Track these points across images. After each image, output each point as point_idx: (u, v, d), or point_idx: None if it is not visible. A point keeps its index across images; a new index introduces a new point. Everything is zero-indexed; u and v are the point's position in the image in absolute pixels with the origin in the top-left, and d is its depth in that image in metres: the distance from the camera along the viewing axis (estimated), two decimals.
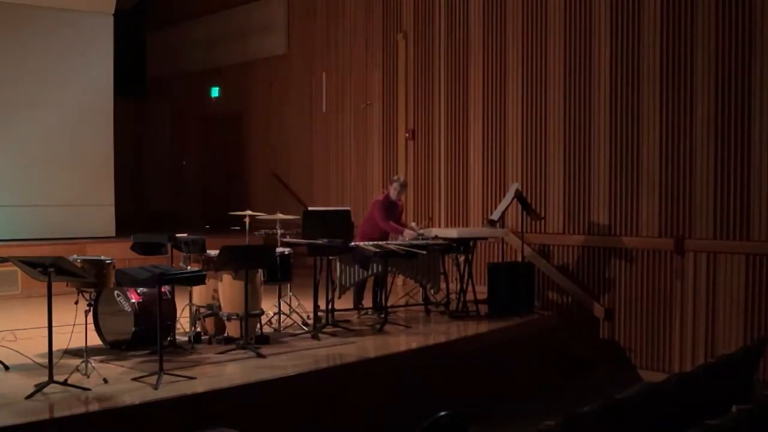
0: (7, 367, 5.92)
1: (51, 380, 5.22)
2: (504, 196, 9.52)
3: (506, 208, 9.13)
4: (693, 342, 8.55)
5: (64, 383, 5.25)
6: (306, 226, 8.00)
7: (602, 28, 9.27)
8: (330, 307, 7.77)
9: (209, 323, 7.16)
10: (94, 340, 6.51)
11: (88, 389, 5.28)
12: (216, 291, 7.04)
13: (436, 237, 8.58)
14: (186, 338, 6.97)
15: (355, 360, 6.62)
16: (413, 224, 8.85)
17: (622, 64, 9.10)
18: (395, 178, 8.92)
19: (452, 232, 8.77)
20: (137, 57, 15.92)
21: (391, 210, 8.63)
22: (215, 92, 14.88)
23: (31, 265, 5.33)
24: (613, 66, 9.18)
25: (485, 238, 9.66)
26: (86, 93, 11.59)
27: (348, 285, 7.91)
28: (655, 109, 8.84)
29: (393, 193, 8.63)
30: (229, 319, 6.94)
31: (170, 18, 15.63)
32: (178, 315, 6.86)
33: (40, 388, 5.18)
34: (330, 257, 7.73)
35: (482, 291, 8.95)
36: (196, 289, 7.06)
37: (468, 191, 10.70)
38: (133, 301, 6.59)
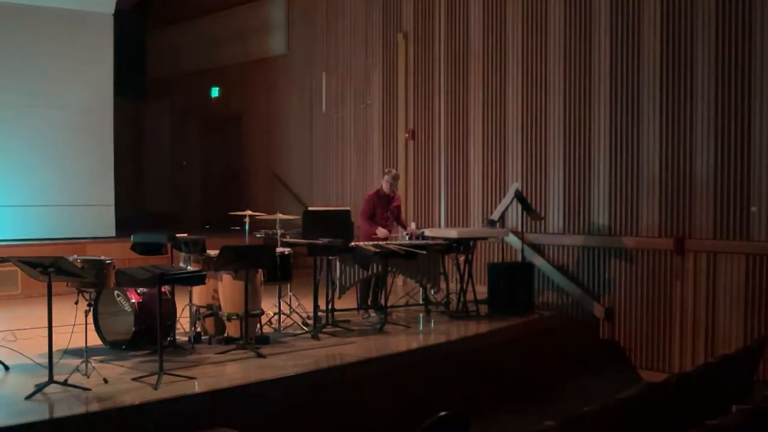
0: (7, 367, 5.92)
1: (51, 380, 5.22)
2: (504, 196, 9.52)
3: (506, 208, 9.13)
4: (693, 342, 8.55)
5: (64, 383, 5.25)
6: (306, 226, 7.99)
7: (602, 28, 9.27)
8: (330, 307, 7.77)
9: (209, 323, 7.15)
10: (94, 340, 6.51)
11: (88, 389, 5.28)
12: (216, 291, 7.04)
13: (420, 236, 8.59)
14: (186, 338, 6.97)
15: (355, 360, 6.62)
16: (413, 224, 8.86)
17: (622, 64, 9.10)
18: (387, 170, 8.99)
19: (452, 232, 8.77)
20: (137, 57, 15.91)
21: (384, 203, 8.65)
22: (215, 92, 14.88)
23: (31, 265, 5.33)
24: (613, 66, 9.18)
25: (485, 238, 9.65)
26: (86, 93, 11.57)
27: (348, 285, 7.90)
28: (655, 110, 8.84)
29: (386, 186, 8.66)
30: (229, 319, 6.94)
31: (170, 18, 15.62)
32: (178, 315, 6.87)
33: (40, 388, 5.18)
34: (330, 257, 7.73)
35: (482, 291, 8.96)
36: (196, 289, 7.06)
37: (468, 191, 10.70)
38: (133, 301, 6.59)
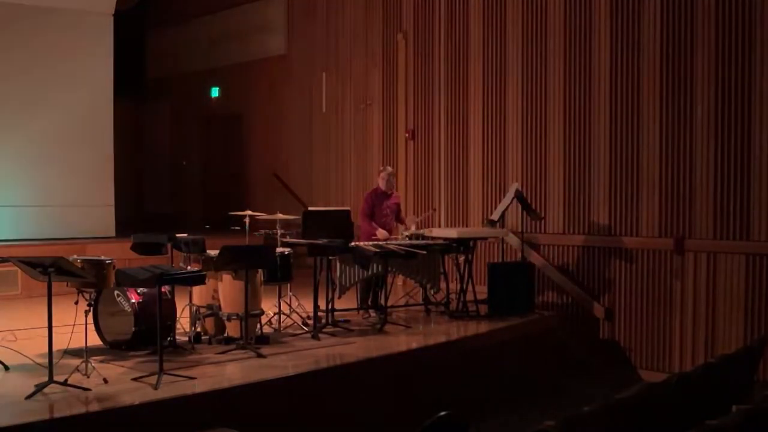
0: (7, 367, 5.92)
1: (51, 380, 5.22)
2: (504, 196, 9.52)
3: (506, 208, 9.12)
4: (693, 342, 8.55)
5: (64, 383, 5.25)
6: (306, 226, 8.00)
7: (602, 28, 9.27)
8: (330, 307, 7.77)
9: (209, 323, 7.15)
10: (94, 340, 6.51)
11: (88, 389, 5.28)
12: (216, 291, 7.04)
13: (422, 237, 8.59)
14: (186, 338, 6.97)
15: (355, 360, 6.62)
16: (412, 216, 8.90)
17: (622, 64, 9.10)
18: (381, 168, 9.01)
19: (452, 232, 8.77)
20: (137, 57, 15.91)
21: (382, 201, 8.66)
22: (215, 92, 14.88)
23: (31, 265, 5.33)
24: (613, 66, 9.18)
25: (485, 238, 9.65)
26: (86, 93, 11.57)
27: (348, 285, 7.90)
28: (655, 110, 8.84)
29: (383, 184, 8.69)
30: (229, 319, 6.94)
31: (170, 18, 15.63)
32: (178, 315, 6.86)
33: (40, 388, 5.18)
34: (330, 257, 7.73)
35: (482, 291, 8.95)
36: (196, 289, 7.06)
37: (468, 191, 10.70)
38: (133, 301, 6.59)
